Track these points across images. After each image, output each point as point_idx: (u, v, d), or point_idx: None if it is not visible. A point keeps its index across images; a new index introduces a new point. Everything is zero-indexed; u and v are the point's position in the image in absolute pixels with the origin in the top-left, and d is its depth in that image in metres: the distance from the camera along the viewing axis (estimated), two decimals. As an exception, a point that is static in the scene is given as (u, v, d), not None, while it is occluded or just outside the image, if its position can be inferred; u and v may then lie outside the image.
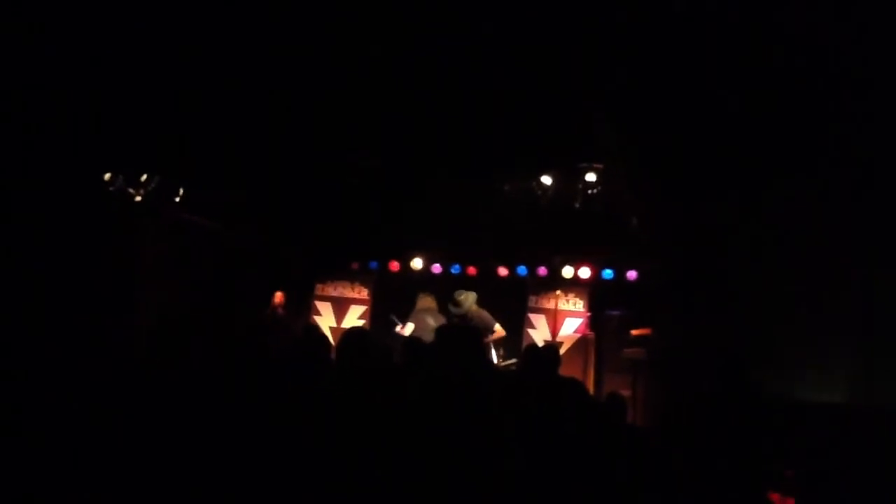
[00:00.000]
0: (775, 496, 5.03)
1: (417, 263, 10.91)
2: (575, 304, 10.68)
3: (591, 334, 10.32)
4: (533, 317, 10.80)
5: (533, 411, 3.87)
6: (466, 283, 10.68)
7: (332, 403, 3.41)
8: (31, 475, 3.14)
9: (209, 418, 3.36)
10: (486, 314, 8.96)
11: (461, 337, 4.43)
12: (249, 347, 4.14)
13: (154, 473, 3.21)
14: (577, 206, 8.74)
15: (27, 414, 3.36)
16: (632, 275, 10.25)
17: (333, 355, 4.78)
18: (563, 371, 5.62)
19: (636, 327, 9.12)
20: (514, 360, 9.12)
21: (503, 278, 10.84)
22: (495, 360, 8.88)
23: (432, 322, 8.68)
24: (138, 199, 8.02)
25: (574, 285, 10.63)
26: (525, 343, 9.64)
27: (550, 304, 10.58)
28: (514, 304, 10.61)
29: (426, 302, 9.33)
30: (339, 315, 11.23)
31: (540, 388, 4.41)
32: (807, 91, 6.42)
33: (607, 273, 10.43)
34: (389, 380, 4.04)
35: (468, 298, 8.88)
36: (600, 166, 8.37)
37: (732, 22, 5.98)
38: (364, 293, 11.41)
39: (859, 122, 6.56)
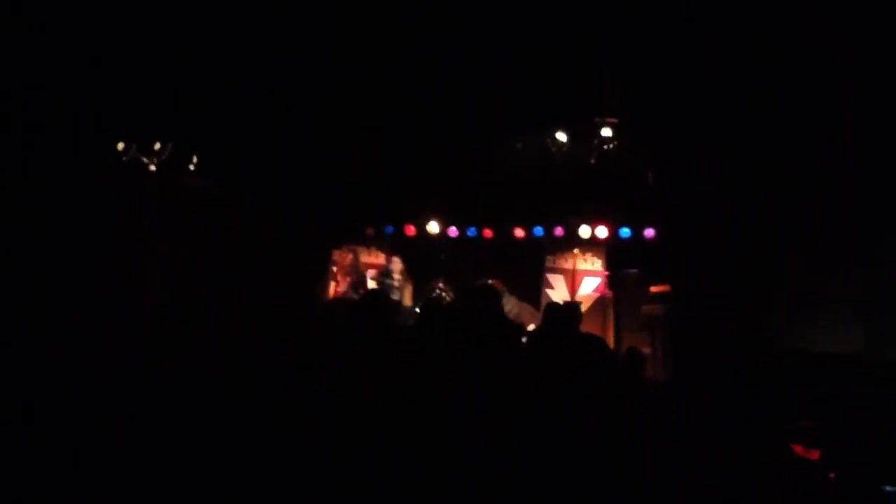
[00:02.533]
0: (799, 448, 5.01)
1: (433, 227, 10.86)
2: (593, 264, 10.63)
3: (609, 293, 10.28)
4: (551, 277, 10.77)
5: (552, 368, 3.86)
6: (483, 245, 10.68)
7: (336, 401, 3.39)
8: (31, 474, 3.14)
9: (209, 415, 3.35)
10: (526, 310, 9.33)
11: (480, 298, 4.41)
12: (250, 341, 4.10)
13: (154, 470, 3.20)
14: (593, 161, 8.66)
15: (28, 400, 3.36)
16: (649, 233, 10.17)
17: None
18: (583, 330, 5.60)
19: (655, 285, 9.08)
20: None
21: (520, 239, 10.79)
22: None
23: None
24: (152, 168, 8.01)
25: (591, 244, 10.57)
26: (544, 303, 9.63)
27: (568, 264, 10.54)
28: (531, 265, 10.58)
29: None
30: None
31: (561, 345, 4.39)
32: (811, 55, 6.34)
33: (624, 232, 10.34)
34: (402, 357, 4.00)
35: (507, 303, 9.10)
36: (615, 121, 8.26)
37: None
38: (381, 258, 11.39)
39: (859, 98, 6.48)
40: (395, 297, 9.29)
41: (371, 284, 10.88)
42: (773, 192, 7.27)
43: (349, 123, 8.92)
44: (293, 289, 9.48)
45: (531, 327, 9.16)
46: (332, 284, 10.81)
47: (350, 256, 9.50)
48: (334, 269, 10.21)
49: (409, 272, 9.64)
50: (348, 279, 9.36)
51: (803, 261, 6.98)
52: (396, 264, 9.58)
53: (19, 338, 4.07)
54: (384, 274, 9.58)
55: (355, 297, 9.13)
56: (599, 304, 10.32)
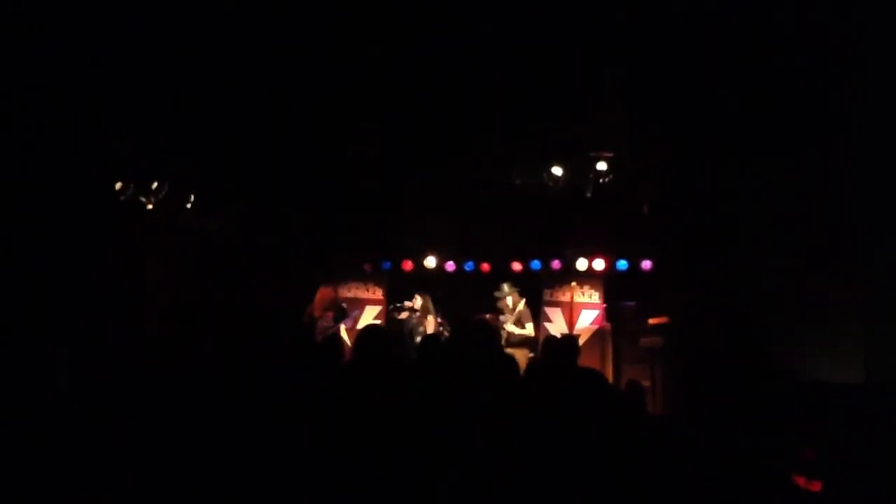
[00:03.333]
0: (800, 479, 4.98)
1: (430, 262, 10.88)
2: (590, 296, 10.64)
3: (607, 326, 10.27)
4: (549, 310, 10.77)
5: (551, 401, 3.85)
6: (480, 280, 10.68)
7: (336, 403, 3.39)
8: (31, 474, 3.14)
9: (210, 419, 3.35)
10: (526, 313, 9.56)
11: (477, 332, 4.41)
12: (251, 347, 4.12)
13: (154, 473, 3.20)
14: (589, 195, 8.70)
15: (30, 416, 3.37)
16: (646, 265, 10.19)
17: (349, 355, 4.79)
18: (581, 363, 5.59)
19: (653, 317, 9.08)
20: (531, 355, 9.15)
21: (517, 273, 10.80)
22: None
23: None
24: (150, 207, 8.04)
25: (589, 277, 10.58)
26: (542, 336, 9.63)
27: (566, 297, 10.55)
28: (529, 299, 10.58)
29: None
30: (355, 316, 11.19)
31: (559, 378, 4.38)
32: (811, 55, 6.38)
33: (621, 264, 10.36)
34: (402, 378, 4.01)
35: (511, 294, 9.62)
36: (610, 155, 8.32)
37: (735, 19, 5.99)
38: (378, 293, 11.40)
39: (859, 98, 6.51)
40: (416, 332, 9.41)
41: (366, 319, 10.91)
42: (775, 212, 7.27)
43: (344, 156, 8.97)
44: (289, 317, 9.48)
45: (528, 325, 9.29)
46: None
47: (330, 291, 9.49)
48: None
49: (434, 307, 9.71)
50: (329, 314, 9.37)
51: (804, 289, 6.96)
52: (418, 301, 9.63)
53: (25, 344, 4.10)
54: (406, 309, 9.64)
55: (338, 327, 9.19)
56: (598, 336, 10.31)
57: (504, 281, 9.97)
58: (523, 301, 9.70)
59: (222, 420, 3.31)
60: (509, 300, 9.62)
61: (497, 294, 9.69)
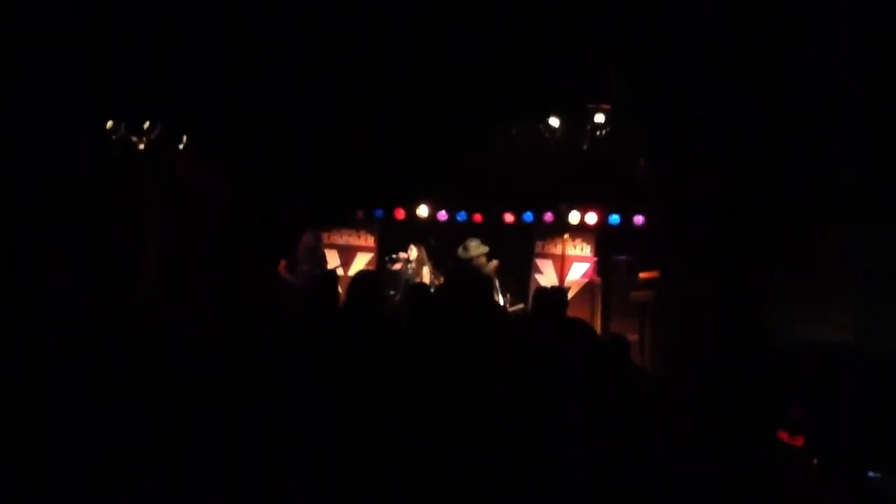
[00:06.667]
0: (784, 434, 5.05)
1: (423, 211, 10.86)
2: (582, 250, 10.66)
3: (598, 279, 10.30)
4: (540, 262, 10.80)
5: (540, 353, 3.86)
6: (472, 229, 10.67)
7: (332, 363, 3.38)
8: (26, 469, 3.12)
9: (204, 406, 3.34)
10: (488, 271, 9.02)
11: (471, 281, 4.40)
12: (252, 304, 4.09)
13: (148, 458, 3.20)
14: (585, 148, 8.63)
15: (24, 393, 3.34)
16: (639, 220, 10.19)
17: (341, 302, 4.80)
18: (571, 315, 5.61)
19: (644, 271, 9.09)
20: (521, 306, 9.16)
21: (509, 224, 10.79)
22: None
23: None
24: (141, 147, 7.96)
25: (581, 230, 10.59)
26: (532, 288, 9.64)
27: (557, 250, 10.57)
28: (521, 250, 10.58)
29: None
30: (346, 263, 11.21)
31: (548, 329, 4.40)
32: (810, 44, 6.33)
33: (614, 218, 10.37)
34: (392, 326, 4.01)
35: (478, 248, 8.96)
36: (608, 107, 8.23)
37: None
38: (370, 241, 11.40)
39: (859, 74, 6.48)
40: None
41: (357, 266, 10.87)
42: (767, 175, 7.26)
43: (340, 106, 8.86)
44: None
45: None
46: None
47: (311, 238, 9.32)
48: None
49: (428, 257, 9.50)
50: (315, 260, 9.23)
51: (796, 248, 6.98)
52: (412, 252, 9.54)
53: (14, 330, 4.05)
54: (400, 260, 9.52)
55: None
56: (588, 289, 10.34)
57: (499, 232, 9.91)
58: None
59: (217, 408, 3.29)
60: (471, 252, 8.87)
61: (461, 253, 8.89)
